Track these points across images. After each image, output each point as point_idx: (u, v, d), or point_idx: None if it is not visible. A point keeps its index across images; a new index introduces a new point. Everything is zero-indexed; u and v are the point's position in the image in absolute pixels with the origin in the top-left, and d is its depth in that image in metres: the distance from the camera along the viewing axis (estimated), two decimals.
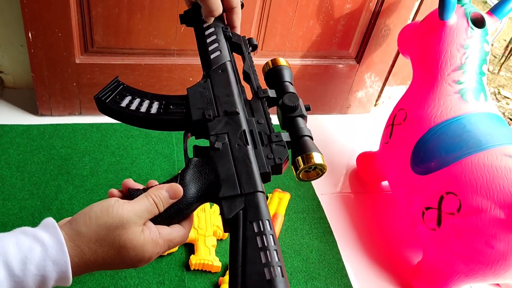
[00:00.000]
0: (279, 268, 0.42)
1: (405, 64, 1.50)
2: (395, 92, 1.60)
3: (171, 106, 0.56)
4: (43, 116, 1.31)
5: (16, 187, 1.11)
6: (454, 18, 1.06)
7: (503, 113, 1.91)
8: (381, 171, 1.27)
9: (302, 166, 0.50)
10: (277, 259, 0.42)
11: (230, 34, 0.65)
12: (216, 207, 1.13)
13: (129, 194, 0.50)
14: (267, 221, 0.45)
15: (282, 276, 0.41)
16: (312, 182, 1.30)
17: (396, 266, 1.16)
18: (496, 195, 0.90)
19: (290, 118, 0.55)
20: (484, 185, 0.92)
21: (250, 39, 0.66)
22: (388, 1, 1.31)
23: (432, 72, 1.09)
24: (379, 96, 1.59)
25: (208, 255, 1.02)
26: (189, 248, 1.06)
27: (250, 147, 0.52)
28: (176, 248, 1.04)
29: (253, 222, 0.45)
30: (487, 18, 1.08)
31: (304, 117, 0.55)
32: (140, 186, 0.52)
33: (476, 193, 0.92)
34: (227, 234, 1.10)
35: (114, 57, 1.24)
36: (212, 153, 0.51)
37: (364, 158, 1.34)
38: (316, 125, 1.51)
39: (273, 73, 0.59)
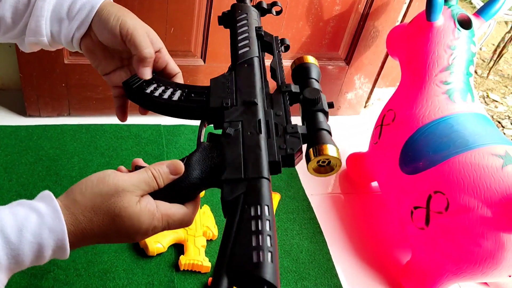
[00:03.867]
0: (269, 253, 0.40)
1: (394, 66, 1.51)
2: (385, 93, 1.62)
3: (192, 95, 0.57)
4: (31, 117, 1.30)
5: (4, 188, 1.09)
6: (441, 19, 1.07)
7: (492, 116, 1.93)
8: (370, 171, 1.28)
9: (313, 158, 0.49)
10: (269, 245, 0.41)
11: (262, 33, 0.65)
12: (206, 208, 1.13)
13: (135, 170, 0.50)
14: (266, 206, 0.44)
15: (272, 261, 0.40)
16: (302, 182, 1.30)
17: (385, 266, 1.16)
18: (483, 194, 0.91)
19: (310, 111, 0.53)
20: (471, 184, 0.93)
21: (282, 40, 0.66)
22: (377, 3, 1.33)
23: (420, 73, 1.10)
24: (368, 97, 1.60)
25: (197, 255, 1.02)
26: (179, 248, 1.05)
27: (262, 136, 0.51)
28: (166, 249, 1.03)
29: (251, 206, 0.44)
30: (474, 20, 1.09)
31: (325, 113, 0.54)
32: None
33: (463, 192, 0.93)
34: (217, 234, 1.10)
35: None
36: (223, 139, 0.51)
37: (354, 159, 1.35)
38: None
39: (300, 70, 0.59)
